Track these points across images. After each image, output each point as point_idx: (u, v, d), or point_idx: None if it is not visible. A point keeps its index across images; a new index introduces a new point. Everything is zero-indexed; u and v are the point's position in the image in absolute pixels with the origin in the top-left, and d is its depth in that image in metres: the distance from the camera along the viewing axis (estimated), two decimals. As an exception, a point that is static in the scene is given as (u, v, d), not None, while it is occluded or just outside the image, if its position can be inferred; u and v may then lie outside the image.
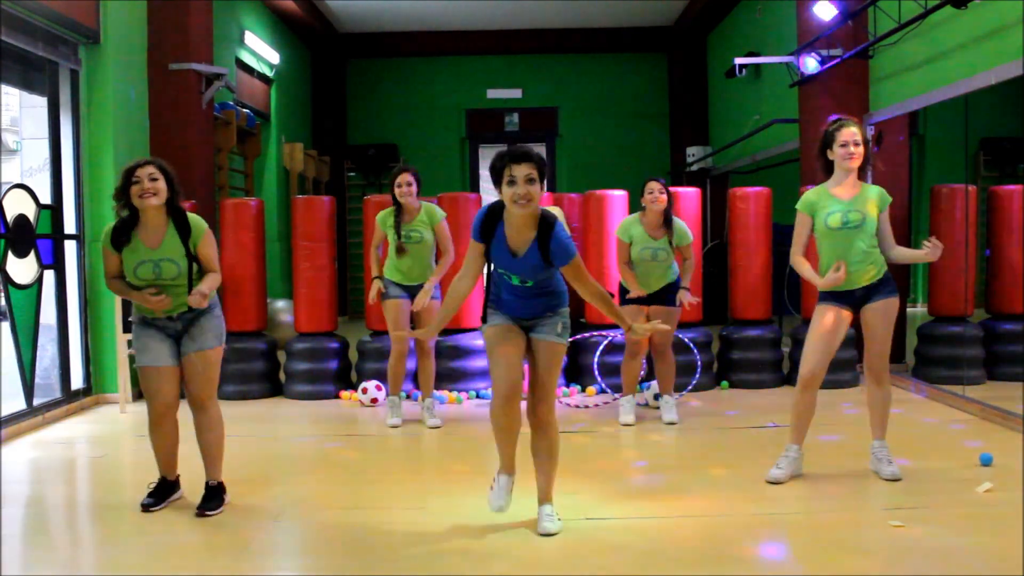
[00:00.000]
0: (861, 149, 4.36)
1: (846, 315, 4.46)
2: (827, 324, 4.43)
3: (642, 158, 13.48)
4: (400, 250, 5.84)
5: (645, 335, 3.95)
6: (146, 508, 4.14)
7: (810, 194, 4.52)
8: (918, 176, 8.14)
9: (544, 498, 3.84)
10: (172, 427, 4.20)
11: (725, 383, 7.23)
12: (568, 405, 6.60)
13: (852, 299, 4.45)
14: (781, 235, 7.74)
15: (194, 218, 4.12)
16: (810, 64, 7.75)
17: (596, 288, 3.67)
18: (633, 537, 3.76)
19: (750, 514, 4.03)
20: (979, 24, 6.00)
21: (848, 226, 4.35)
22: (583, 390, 7.08)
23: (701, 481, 4.61)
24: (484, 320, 3.82)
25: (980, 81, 5.93)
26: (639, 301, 5.77)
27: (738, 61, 9.29)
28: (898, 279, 7.59)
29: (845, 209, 4.37)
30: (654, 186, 5.77)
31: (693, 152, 13.04)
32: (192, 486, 4.29)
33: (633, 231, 5.82)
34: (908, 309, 7.96)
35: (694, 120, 13.66)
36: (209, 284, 4.08)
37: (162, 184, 3.98)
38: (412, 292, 5.93)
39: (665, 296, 5.82)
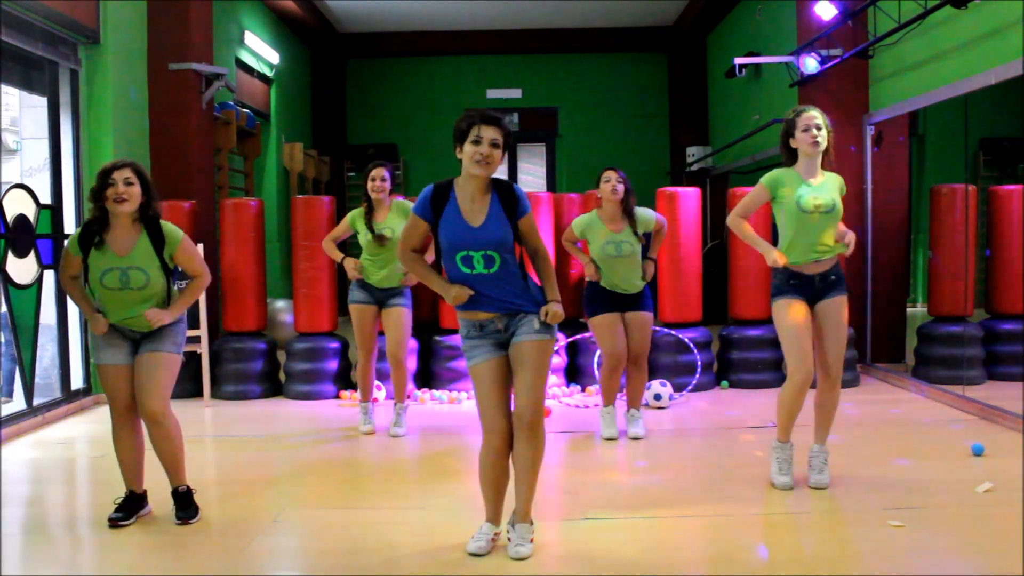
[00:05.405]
0: (824, 133, 4.32)
1: (807, 307, 4.39)
2: (801, 319, 4.34)
3: (642, 158, 13.47)
4: (380, 238, 5.55)
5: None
6: (114, 523, 3.91)
7: (778, 172, 4.41)
8: (918, 176, 8.13)
9: (522, 516, 3.52)
10: (133, 432, 3.99)
11: (725, 383, 7.23)
12: (568, 405, 6.61)
13: (811, 290, 4.36)
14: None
15: (168, 227, 3.96)
16: (810, 64, 7.75)
17: (543, 246, 3.55)
18: (633, 537, 3.76)
19: (750, 514, 4.03)
20: (979, 24, 6.01)
21: (820, 210, 4.29)
22: (583, 390, 7.07)
23: (701, 481, 4.61)
24: (463, 337, 3.52)
25: (980, 81, 5.93)
26: (609, 308, 5.46)
27: (738, 61, 9.29)
28: (897, 279, 7.70)
29: (816, 192, 4.31)
30: (610, 175, 5.39)
31: (693, 152, 13.04)
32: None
33: (590, 230, 5.48)
34: (908, 309, 7.97)
35: (694, 120, 13.65)
36: (184, 301, 3.96)
37: (136, 190, 3.84)
38: (378, 298, 5.68)
39: (639, 303, 5.50)
